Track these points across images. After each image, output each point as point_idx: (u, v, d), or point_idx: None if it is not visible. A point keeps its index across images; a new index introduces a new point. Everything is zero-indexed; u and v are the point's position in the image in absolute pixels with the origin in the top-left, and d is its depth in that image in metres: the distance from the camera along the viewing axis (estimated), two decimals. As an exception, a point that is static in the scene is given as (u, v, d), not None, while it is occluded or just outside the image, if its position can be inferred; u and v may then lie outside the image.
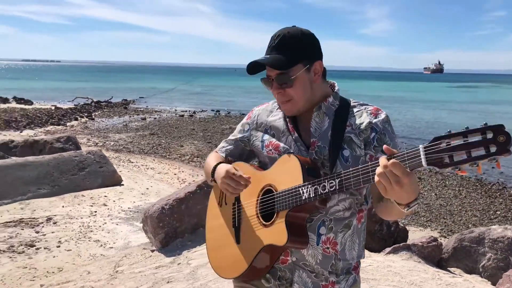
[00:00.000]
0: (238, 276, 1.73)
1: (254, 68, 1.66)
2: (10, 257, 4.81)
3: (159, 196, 7.84)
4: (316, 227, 1.64)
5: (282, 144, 1.73)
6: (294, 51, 1.62)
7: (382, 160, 1.31)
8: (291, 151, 1.69)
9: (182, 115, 24.09)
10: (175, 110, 27.18)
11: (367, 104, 1.72)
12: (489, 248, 4.19)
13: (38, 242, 5.30)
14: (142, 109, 27.36)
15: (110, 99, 31.00)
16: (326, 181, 1.51)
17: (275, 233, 1.60)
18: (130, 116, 23.18)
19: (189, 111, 26.93)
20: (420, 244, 4.14)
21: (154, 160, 12.54)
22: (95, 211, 6.60)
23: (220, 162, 1.84)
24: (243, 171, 1.77)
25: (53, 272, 4.48)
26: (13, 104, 25.20)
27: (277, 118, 1.80)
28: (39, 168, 7.40)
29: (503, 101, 45.67)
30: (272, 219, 1.63)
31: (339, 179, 1.49)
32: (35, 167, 7.39)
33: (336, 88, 1.76)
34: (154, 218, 4.93)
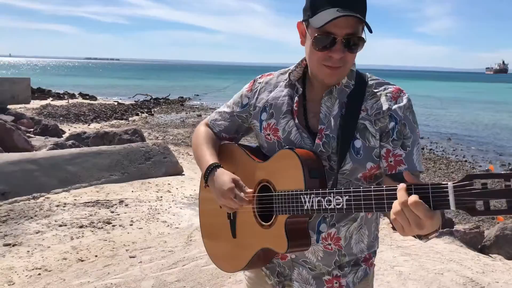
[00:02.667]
0: (235, 272, 1.65)
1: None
2: (92, 231, 5.50)
3: (217, 186, 8.39)
4: (315, 224, 1.44)
5: (281, 129, 1.48)
6: (365, 8, 1.33)
7: (401, 194, 1.07)
8: (292, 138, 1.46)
9: (237, 113, 24.74)
10: (230, 108, 27.93)
11: (387, 83, 1.43)
12: (531, 237, 4.36)
13: (114, 220, 5.97)
14: (197, 106, 28.36)
15: (167, 96, 32.32)
16: (332, 195, 1.26)
17: (275, 238, 1.43)
18: (187, 113, 24.14)
19: (244, 108, 27.61)
20: (463, 230, 4.37)
21: (210, 154, 13.18)
22: (161, 197, 7.25)
23: (218, 165, 1.53)
24: (236, 159, 1.60)
25: (128, 245, 5.11)
26: (80, 100, 26.95)
27: (281, 95, 1.51)
28: (111, 156, 8.17)
29: None
30: (271, 221, 1.46)
31: (347, 196, 1.22)
32: (108, 156, 8.17)
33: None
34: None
